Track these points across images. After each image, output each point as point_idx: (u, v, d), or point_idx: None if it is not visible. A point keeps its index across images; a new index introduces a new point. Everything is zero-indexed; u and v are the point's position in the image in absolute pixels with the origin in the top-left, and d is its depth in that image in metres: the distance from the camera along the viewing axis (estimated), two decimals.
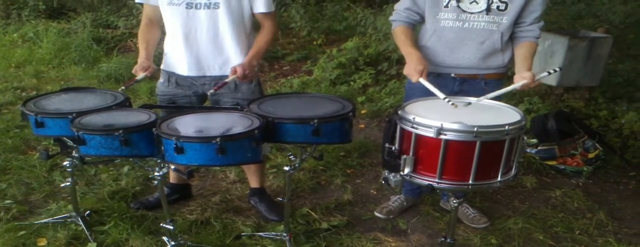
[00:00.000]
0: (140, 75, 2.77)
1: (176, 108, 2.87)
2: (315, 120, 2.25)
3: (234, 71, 2.72)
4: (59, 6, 10.01)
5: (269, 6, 2.84)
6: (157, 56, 2.94)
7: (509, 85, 2.57)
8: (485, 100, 2.32)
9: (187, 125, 2.30)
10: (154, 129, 2.21)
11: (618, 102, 4.76)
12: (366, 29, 6.88)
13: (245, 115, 2.36)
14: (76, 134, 2.20)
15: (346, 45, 6.70)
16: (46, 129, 2.44)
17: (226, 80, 2.70)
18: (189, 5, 2.73)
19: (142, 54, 2.87)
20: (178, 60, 2.88)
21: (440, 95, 2.30)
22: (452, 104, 2.18)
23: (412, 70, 2.56)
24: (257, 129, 2.17)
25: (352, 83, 6.15)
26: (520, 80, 2.53)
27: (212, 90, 2.69)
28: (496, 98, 2.39)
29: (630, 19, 5.14)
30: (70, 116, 2.36)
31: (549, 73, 2.55)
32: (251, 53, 2.84)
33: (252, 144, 2.17)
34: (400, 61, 5.96)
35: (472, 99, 2.32)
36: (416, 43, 2.81)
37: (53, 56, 7.51)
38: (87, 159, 2.69)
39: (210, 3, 2.72)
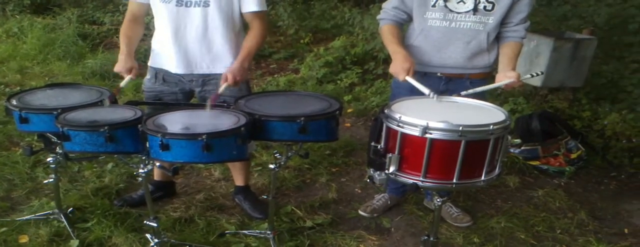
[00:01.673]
0: (126, 78, 2.74)
1: (162, 105, 2.85)
2: (302, 118, 2.24)
3: (225, 78, 2.69)
4: (44, 1, 9.90)
5: (260, 4, 2.80)
6: (144, 53, 2.92)
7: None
8: (470, 100, 2.34)
9: (173, 122, 2.28)
10: (139, 126, 2.19)
11: (601, 104, 4.80)
12: (353, 28, 6.88)
13: (231, 113, 2.35)
14: (61, 130, 2.17)
15: (333, 44, 6.69)
16: (30, 125, 2.43)
17: (218, 90, 2.64)
18: (179, 3, 2.70)
19: (123, 50, 2.81)
20: (166, 57, 2.86)
21: (425, 91, 2.32)
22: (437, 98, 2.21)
23: (399, 68, 2.57)
24: (243, 126, 2.16)
25: (338, 82, 6.15)
26: (504, 79, 2.56)
27: (208, 109, 2.44)
28: (481, 96, 2.41)
29: (615, 20, 5.18)
30: (55, 112, 2.35)
31: (532, 76, 2.59)
32: (241, 56, 2.79)
33: (238, 142, 2.16)
34: (387, 61, 5.98)
35: (458, 98, 2.34)
36: (403, 42, 2.82)
37: (38, 52, 7.42)
38: (71, 155, 2.66)
39: (200, 1, 2.70)
